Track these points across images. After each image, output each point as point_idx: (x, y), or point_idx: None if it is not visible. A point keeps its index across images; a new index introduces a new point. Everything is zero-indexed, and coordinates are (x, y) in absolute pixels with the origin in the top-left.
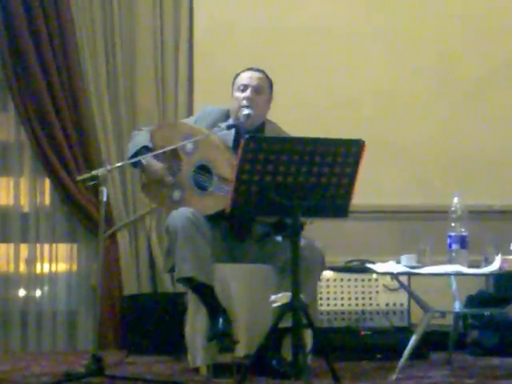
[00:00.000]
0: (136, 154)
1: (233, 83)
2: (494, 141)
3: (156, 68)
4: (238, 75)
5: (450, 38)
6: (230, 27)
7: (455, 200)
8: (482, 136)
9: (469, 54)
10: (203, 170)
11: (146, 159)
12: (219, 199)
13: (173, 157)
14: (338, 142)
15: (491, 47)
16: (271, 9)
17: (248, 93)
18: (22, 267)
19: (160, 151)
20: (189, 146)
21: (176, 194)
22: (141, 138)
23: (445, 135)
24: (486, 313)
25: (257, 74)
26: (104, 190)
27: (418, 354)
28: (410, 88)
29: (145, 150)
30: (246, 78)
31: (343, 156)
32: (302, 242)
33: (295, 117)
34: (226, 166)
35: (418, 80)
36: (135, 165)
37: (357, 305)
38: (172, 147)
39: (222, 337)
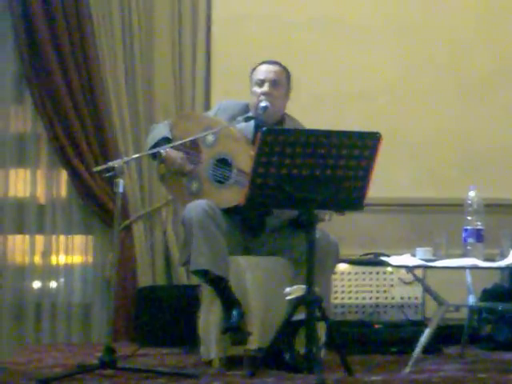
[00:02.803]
0: (155, 146)
1: (251, 78)
2: (507, 134)
3: (173, 61)
4: (254, 69)
5: (464, 30)
6: (247, 20)
7: (471, 193)
8: (498, 129)
9: (483, 45)
10: (223, 163)
11: (166, 150)
12: (237, 192)
13: (192, 149)
14: (354, 135)
15: (505, 39)
16: (287, 1)
17: (265, 87)
18: (38, 259)
19: (180, 142)
20: (209, 138)
21: (194, 186)
22: (160, 129)
23: (460, 128)
24: (501, 307)
25: (273, 67)
26: (120, 182)
27: (432, 347)
28: (424, 80)
29: (164, 141)
30: (262, 72)
31: (359, 149)
32: (317, 235)
33: (310, 109)
34: (246, 158)
35: (432, 72)
36: (154, 156)
37: (371, 298)
38: (192, 138)
39: (235, 329)
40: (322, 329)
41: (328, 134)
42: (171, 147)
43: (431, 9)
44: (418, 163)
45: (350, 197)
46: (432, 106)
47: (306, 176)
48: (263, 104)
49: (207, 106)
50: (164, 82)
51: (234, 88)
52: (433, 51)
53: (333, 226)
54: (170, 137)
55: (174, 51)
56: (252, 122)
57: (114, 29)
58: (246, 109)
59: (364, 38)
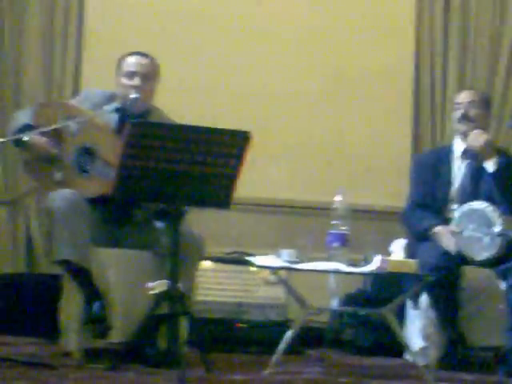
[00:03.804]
0: (18, 132)
1: (118, 67)
2: (380, 140)
3: (44, 48)
4: (123, 59)
5: (335, 37)
6: (121, 9)
7: (337, 197)
8: (367, 134)
9: (358, 48)
10: (87, 152)
11: (29, 136)
12: (101, 183)
13: (56, 137)
14: (223, 132)
15: (373, 47)
16: None
17: (136, 81)
18: None
19: (43, 129)
20: (73, 126)
21: (58, 175)
22: (23, 116)
23: (330, 131)
24: (363, 312)
25: (144, 60)
26: None
27: (294, 349)
28: (297, 82)
29: (26, 128)
30: (132, 64)
31: (228, 147)
32: (183, 230)
33: (182, 104)
34: (110, 149)
35: (306, 74)
36: (17, 143)
37: (234, 297)
38: (55, 126)
39: (96, 321)
40: (184, 325)
41: (197, 129)
42: (33, 134)
43: (306, 15)
44: (288, 164)
45: (217, 194)
46: (305, 110)
47: (173, 171)
48: (133, 95)
49: (76, 95)
50: (32, 69)
51: (105, 77)
52: (307, 53)
53: (199, 222)
54: (33, 124)
55: (45, 38)
56: (117, 113)
57: None
58: (112, 98)
59: (240, 36)
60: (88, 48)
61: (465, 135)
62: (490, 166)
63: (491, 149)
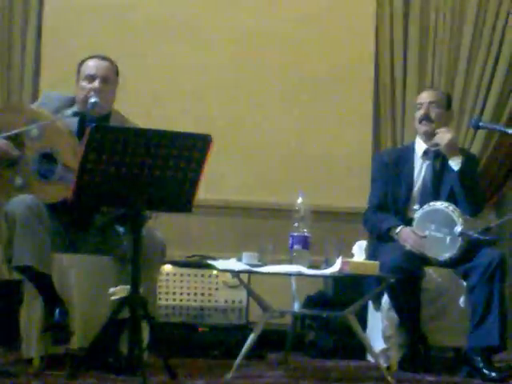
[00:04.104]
0: None
1: (78, 71)
2: (340, 141)
3: (2, 52)
4: (83, 63)
5: (298, 34)
6: (81, 11)
7: (299, 200)
8: (328, 136)
9: (317, 51)
10: (47, 157)
11: None
12: (62, 188)
13: (16, 142)
14: (184, 136)
15: (332, 49)
16: None
17: (96, 84)
18: None
19: (3, 134)
20: (34, 131)
21: (18, 181)
22: None
23: (292, 133)
24: (324, 315)
25: (104, 63)
26: None
27: (255, 353)
28: (259, 84)
29: None
30: (92, 67)
31: (189, 150)
32: (143, 234)
33: (142, 108)
34: (71, 154)
35: (267, 76)
36: None
37: (195, 301)
38: (16, 131)
39: (57, 328)
40: (145, 330)
41: (159, 133)
42: None
43: (267, 13)
44: (249, 167)
45: (179, 198)
46: (265, 110)
47: (134, 175)
48: (93, 100)
49: (35, 98)
50: None
51: (64, 80)
52: (268, 55)
53: (160, 226)
54: None
55: (3, 39)
56: (77, 117)
57: None
58: (72, 102)
59: (200, 38)
60: (46, 50)
61: (426, 135)
62: (454, 164)
63: (456, 147)
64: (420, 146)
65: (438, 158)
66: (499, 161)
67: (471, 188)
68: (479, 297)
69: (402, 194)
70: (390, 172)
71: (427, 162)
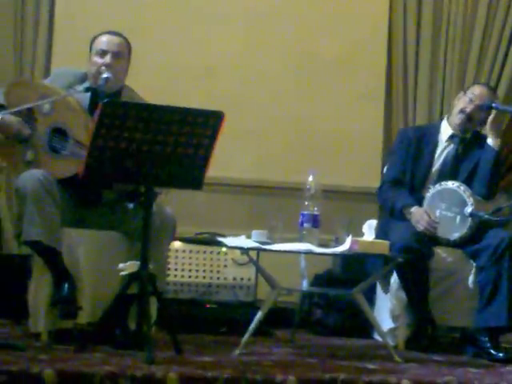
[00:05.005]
0: None
1: (90, 47)
2: (350, 121)
3: (15, 27)
4: (95, 38)
5: (306, 17)
6: None
7: (309, 178)
8: (338, 115)
9: (327, 31)
10: (59, 132)
11: (1, 116)
12: (73, 163)
13: (28, 117)
14: (196, 113)
15: (344, 28)
16: None
17: (107, 59)
18: None
19: (15, 109)
20: (46, 106)
21: (29, 155)
22: None
23: (302, 112)
24: (332, 293)
25: (116, 39)
26: None
27: (263, 330)
28: (269, 63)
29: None
30: (104, 42)
31: (201, 127)
32: (154, 210)
33: (154, 84)
34: (83, 129)
35: (277, 56)
36: None
37: (204, 277)
38: (28, 106)
39: (65, 302)
40: (153, 306)
41: (171, 109)
42: (6, 113)
43: None
44: (259, 145)
45: (190, 175)
46: (276, 89)
47: (145, 151)
48: (105, 75)
49: (47, 75)
50: (3, 49)
51: (76, 57)
52: (278, 34)
53: (170, 203)
54: (5, 103)
55: (16, 17)
56: (89, 93)
57: None
58: (84, 78)
59: (209, 17)
60: (59, 27)
61: (457, 126)
62: (493, 144)
63: (498, 128)
64: (446, 129)
65: (462, 143)
66: (508, 144)
67: (498, 172)
68: (488, 277)
69: (420, 172)
70: (412, 148)
71: (451, 146)
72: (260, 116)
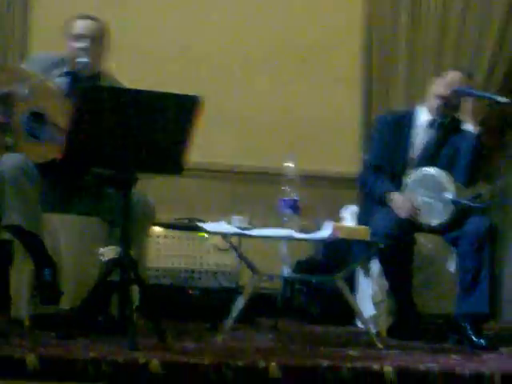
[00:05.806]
0: None
1: (66, 30)
2: (329, 107)
3: None
4: (71, 23)
5: (284, 4)
6: None
7: (289, 164)
8: (318, 101)
9: (301, 19)
10: (37, 117)
11: None
12: (52, 148)
13: (5, 101)
14: (173, 97)
15: (323, 13)
16: None
17: (85, 43)
18: None
19: None
20: (23, 91)
21: (8, 140)
22: None
23: (282, 98)
24: (314, 279)
25: (93, 24)
26: None
27: (245, 317)
28: (250, 49)
29: None
30: (82, 27)
31: (178, 112)
32: (134, 196)
33: (133, 69)
34: (61, 114)
35: (258, 41)
36: None
37: (185, 263)
38: (6, 90)
39: (47, 288)
40: (135, 292)
41: (148, 94)
42: None
43: None
44: (240, 131)
45: (169, 160)
46: (254, 76)
47: (123, 136)
48: (83, 60)
49: (24, 59)
50: None
51: (54, 41)
52: (257, 21)
53: (149, 188)
54: None
55: None
56: (68, 77)
57: None
58: (62, 62)
59: (191, 2)
60: (35, 11)
61: (435, 110)
62: (472, 129)
63: (477, 116)
64: (423, 114)
65: (441, 128)
66: (488, 131)
67: (479, 160)
68: (469, 264)
69: (400, 158)
70: (391, 134)
71: (431, 131)
72: (239, 102)
